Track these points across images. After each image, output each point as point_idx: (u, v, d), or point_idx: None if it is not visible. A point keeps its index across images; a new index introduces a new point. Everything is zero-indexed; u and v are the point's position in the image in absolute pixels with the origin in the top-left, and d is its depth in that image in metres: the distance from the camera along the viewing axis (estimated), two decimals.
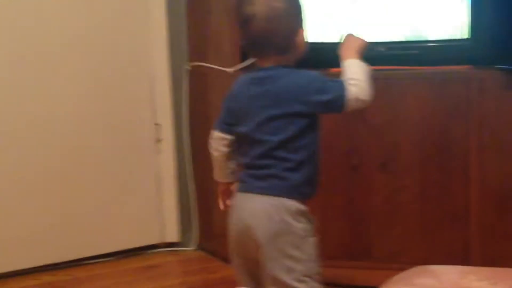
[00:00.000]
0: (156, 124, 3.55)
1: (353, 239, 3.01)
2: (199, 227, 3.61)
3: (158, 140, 3.53)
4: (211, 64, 3.30)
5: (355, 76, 2.19)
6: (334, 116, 2.94)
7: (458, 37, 2.89)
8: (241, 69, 3.14)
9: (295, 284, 2.11)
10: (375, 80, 2.89)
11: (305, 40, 2.21)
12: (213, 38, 3.36)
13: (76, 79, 3.44)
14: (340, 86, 2.12)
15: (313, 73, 2.16)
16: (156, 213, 3.53)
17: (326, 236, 2.98)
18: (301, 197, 2.12)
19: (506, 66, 2.72)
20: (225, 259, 3.01)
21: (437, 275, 1.90)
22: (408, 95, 2.89)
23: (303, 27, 2.20)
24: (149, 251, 3.46)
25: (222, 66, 3.25)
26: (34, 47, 3.33)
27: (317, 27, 3.05)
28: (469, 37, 2.86)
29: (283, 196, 2.09)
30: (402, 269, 1.98)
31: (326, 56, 3.02)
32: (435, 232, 2.90)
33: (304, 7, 2.20)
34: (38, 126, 3.36)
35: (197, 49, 3.47)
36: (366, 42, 2.34)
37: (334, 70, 2.94)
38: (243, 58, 3.18)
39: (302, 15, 2.21)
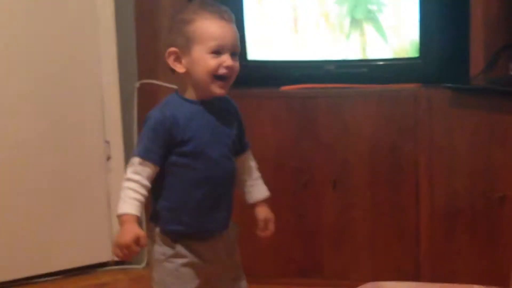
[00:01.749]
0: (106, 142, 3.50)
1: (305, 256, 3.01)
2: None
3: (108, 158, 3.49)
4: (160, 81, 3.25)
5: (125, 181, 2.01)
6: (285, 133, 2.99)
7: (407, 55, 2.93)
8: None
9: None
10: (326, 97, 2.93)
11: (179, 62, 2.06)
12: (163, 55, 3.33)
13: (23, 95, 3.39)
14: (133, 152, 2.04)
15: (151, 116, 2.05)
16: (106, 230, 3.47)
17: (278, 253, 3.05)
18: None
19: (453, 85, 2.75)
20: None
21: None
22: (358, 113, 2.90)
23: (180, 48, 2.05)
24: (99, 269, 3.41)
25: (172, 84, 3.22)
26: None
27: (265, 45, 3.09)
28: (418, 56, 2.90)
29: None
30: (353, 285, 1.96)
31: (273, 74, 3.08)
32: (386, 249, 2.91)
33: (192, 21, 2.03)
34: None
35: (147, 66, 3.45)
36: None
37: (284, 88, 3.00)
38: None
39: (184, 31, 2.05)
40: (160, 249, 2.09)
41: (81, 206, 3.50)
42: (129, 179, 1.99)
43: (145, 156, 2.00)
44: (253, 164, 2.29)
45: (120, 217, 1.98)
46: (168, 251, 2.09)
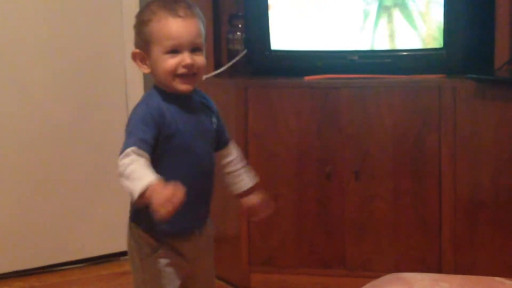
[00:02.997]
0: None
1: (327, 247, 3.01)
2: None
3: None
4: None
5: (124, 167, 1.92)
6: (307, 123, 3.05)
7: (431, 46, 2.94)
8: (217, 75, 3.17)
9: None
10: (349, 88, 2.93)
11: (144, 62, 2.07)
12: None
13: (52, 89, 3.42)
14: (124, 146, 1.97)
15: (137, 109, 2.05)
16: (127, 221, 3.52)
17: (300, 244, 3.07)
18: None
19: (478, 76, 2.74)
20: None
21: (409, 283, 1.80)
22: (381, 104, 2.89)
23: (142, 48, 2.06)
24: (121, 258, 3.43)
25: None
26: (10, 58, 3.34)
27: (289, 35, 3.08)
28: (442, 47, 2.90)
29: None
30: (375, 276, 1.89)
31: (296, 64, 3.08)
32: (408, 240, 2.90)
33: (148, 22, 2.03)
34: (12, 138, 3.36)
35: None
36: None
37: (307, 78, 3.01)
38: (217, 66, 3.22)
39: (142, 31, 2.06)
40: (144, 250, 2.08)
41: (104, 196, 3.53)
42: (126, 160, 1.91)
43: (141, 146, 1.93)
44: (236, 155, 2.25)
45: (144, 193, 1.83)
46: (152, 251, 2.08)
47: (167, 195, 1.80)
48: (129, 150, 1.91)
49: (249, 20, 3.17)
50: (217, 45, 3.28)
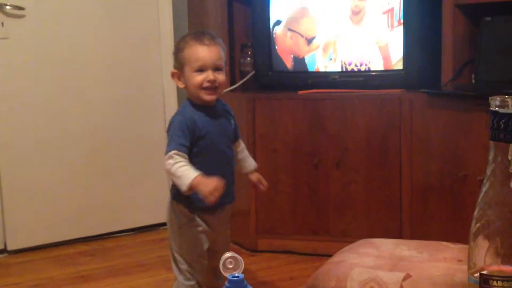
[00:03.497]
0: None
1: (316, 219, 3.03)
2: None
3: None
4: None
5: (170, 167, 2.00)
6: (300, 125, 2.96)
7: (394, 68, 2.93)
8: (232, 90, 3.17)
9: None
10: (332, 100, 2.97)
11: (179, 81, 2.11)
12: None
13: (102, 83, 3.37)
14: (167, 149, 2.03)
15: (175, 120, 2.08)
16: (166, 196, 3.48)
17: (295, 217, 3.08)
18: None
19: (428, 90, 2.76)
20: None
21: (377, 246, 1.84)
22: (356, 112, 2.91)
23: (178, 69, 2.11)
24: (162, 227, 3.38)
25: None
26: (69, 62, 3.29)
27: (286, 60, 3.08)
28: (402, 69, 2.91)
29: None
30: (352, 241, 1.93)
31: (292, 81, 3.09)
32: (377, 214, 2.93)
33: (182, 49, 2.09)
34: (76, 132, 3.33)
35: None
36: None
37: (300, 92, 3.00)
38: (232, 83, 3.21)
39: (178, 56, 2.11)
40: (182, 220, 2.13)
41: (149, 177, 3.50)
42: (173, 163, 1.99)
43: (180, 149, 2.01)
44: (243, 146, 2.33)
45: (192, 184, 1.95)
46: (188, 221, 2.13)
47: (214, 186, 1.94)
48: (171, 153, 2.00)
49: (256, 48, 3.17)
50: (232, 67, 3.25)
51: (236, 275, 0.72)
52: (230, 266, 0.73)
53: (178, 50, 2.12)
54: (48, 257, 3.19)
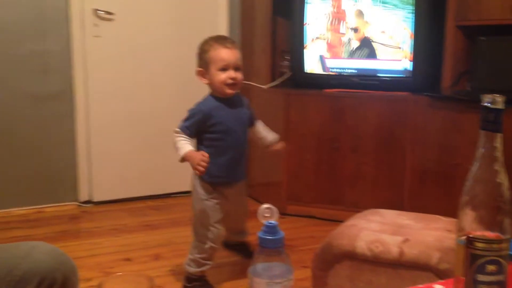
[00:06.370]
0: None
1: (333, 191, 3.00)
2: None
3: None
4: (252, 82, 3.20)
5: (174, 139, 2.00)
6: (325, 116, 2.93)
7: (403, 74, 2.88)
8: (273, 87, 3.15)
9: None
10: (351, 98, 2.93)
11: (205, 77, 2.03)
12: (255, 63, 3.30)
13: (167, 76, 3.31)
14: (178, 125, 2.02)
15: (194, 109, 2.04)
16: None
17: (316, 188, 3.02)
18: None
19: (431, 93, 2.72)
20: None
21: (382, 215, 1.91)
22: (370, 108, 2.88)
23: (203, 68, 2.03)
24: None
25: (259, 84, 3.23)
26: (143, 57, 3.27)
27: (315, 63, 3.02)
28: (410, 76, 2.85)
29: None
30: (361, 211, 2.00)
31: (319, 81, 3.02)
32: (383, 190, 2.90)
33: (207, 50, 2.01)
34: (147, 110, 3.29)
35: (245, 71, 3.47)
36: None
37: (326, 90, 2.97)
38: (273, 78, 3.20)
39: (203, 57, 2.03)
40: (202, 192, 2.07)
41: None
42: (177, 136, 1.99)
43: (183, 130, 2.00)
44: (262, 127, 2.23)
45: (185, 155, 1.94)
46: (208, 193, 2.07)
47: (198, 160, 1.91)
48: (178, 129, 2.00)
49: (292, 54, 3.12)
50: (273, 69, 3.22)
51: (271, 222, 0.72)
52: (267, 215, 0.74)
53: (203, 52, 2.04)
54: (123, 208, 3.23)
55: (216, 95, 2.06)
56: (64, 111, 3.17)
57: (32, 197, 3.16)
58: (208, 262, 2.11)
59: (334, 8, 2.99)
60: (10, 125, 3.06)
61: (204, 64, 2.04)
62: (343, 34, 2.99)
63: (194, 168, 1.94)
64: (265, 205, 0.75)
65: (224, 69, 2.00)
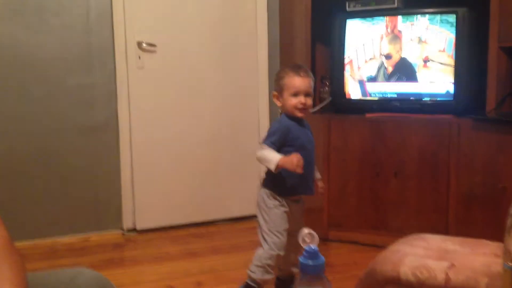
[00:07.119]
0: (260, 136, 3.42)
1: (376, 217, 2.98)
2: None
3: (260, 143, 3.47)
4: None
5: (261, 153, 2.12)
6: (366, 141, 2.93)
7: (445, 98, 2.84)
8: (313, 112, 3.11)
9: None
10: (393, 121, 2.90)
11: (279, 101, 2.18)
12: None
13: (213, 104, 3.37)
14: (262, 143, 2.15)
15: (274, 125, 2.18)
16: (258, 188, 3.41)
17: (360, 214, 3.06)
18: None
19: (474, 116, 2.70)
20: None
21: (427, 240, 1.91)
22: (412, 132, 2.86)
23: (278, 92, 2.19)
24: (253, 218, 3.06)
25: None
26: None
27: (356, 90, 3.03)
28: (452, 99, 2.82)
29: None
30: (405, 236, 1.99)
31: (361, 106, 3.02)
32: (427, 215, 2.85)
33: (283, 77, 2.17)
34: (193, 139, 3.35)
35: None
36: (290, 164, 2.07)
37: (368, 115, 2.98)
38: (314, 104, 3.23)
39: (279, 83, 2.19)
40: (270, 202, 2.18)
41: (244, 174, 3.47)
42: (264, 150, 2.10)
43: (270, 146, 2.11)
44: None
45: (280, 162, 2.05)
46: (277, 202, 2.19)
47: (296, 160, 2.03)
48: (263, 145, 2.13)
49: (333, 80, 3.14)
50: (314, 95, 3.25)
51: (312, 247, 0.72)
52: (307, 240, 0.74)
53: (279, 78, 2.20)
54: (166, 236, 3.26)
55: (289, 115, 2.20)
56: (109, 141, 3.24)
57: (79, 225, 3.22)
58: (272, 271, 2.19)
59: (372, 32, 3.00)
60: (58, 154, 3.15)
61: (279, 89, 2.20)
62: (382, 57, 2.99)
63: (294, 169, 2.04)
64: (306, 230, 0.76)
65: (295, 94, 2.16)
